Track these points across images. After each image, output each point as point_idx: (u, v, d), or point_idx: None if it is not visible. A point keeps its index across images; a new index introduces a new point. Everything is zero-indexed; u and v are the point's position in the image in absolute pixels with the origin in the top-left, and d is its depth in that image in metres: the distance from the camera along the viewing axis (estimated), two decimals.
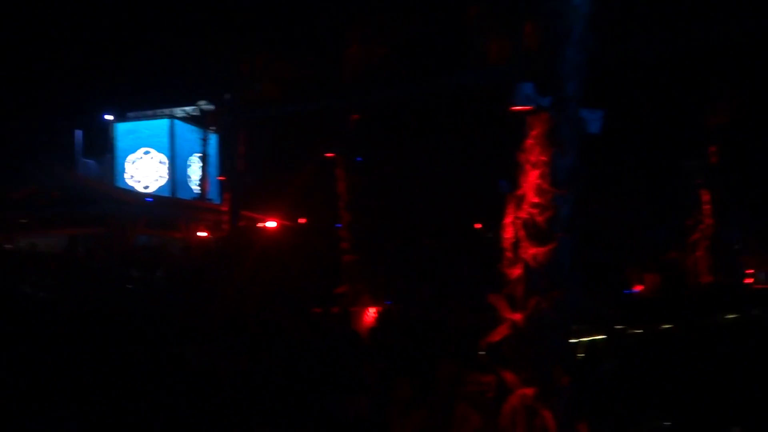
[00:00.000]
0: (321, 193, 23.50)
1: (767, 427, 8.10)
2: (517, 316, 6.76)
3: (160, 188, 28.55)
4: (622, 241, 31.50)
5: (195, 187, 29.62)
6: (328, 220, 24.06)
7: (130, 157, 33.18)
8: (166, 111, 29.72)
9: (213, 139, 28.69)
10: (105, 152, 35.85)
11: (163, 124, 30.00)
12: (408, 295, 18.05)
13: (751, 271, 37.85)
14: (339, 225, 18.70)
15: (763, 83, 30.35)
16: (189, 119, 29.93)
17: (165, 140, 29.58)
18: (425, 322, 14.10)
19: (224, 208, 21.79)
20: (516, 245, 7.05)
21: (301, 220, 30.80)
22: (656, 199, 34.70)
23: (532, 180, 6.84)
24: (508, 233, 7.31)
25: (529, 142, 6.92)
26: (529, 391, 6.49)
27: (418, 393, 7.92)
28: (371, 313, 15.83)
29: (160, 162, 28.95)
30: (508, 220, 7.36)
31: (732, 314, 21.47)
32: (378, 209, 20.59)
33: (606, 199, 31.04)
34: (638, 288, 29.37)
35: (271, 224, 27.02)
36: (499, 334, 6.89)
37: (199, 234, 23.48)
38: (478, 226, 33.29)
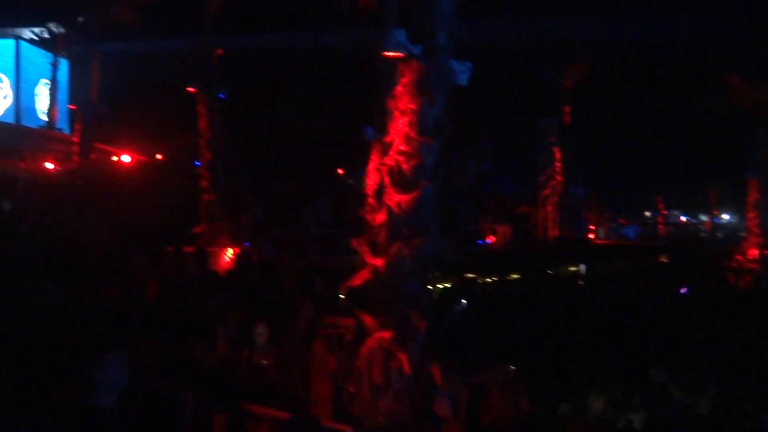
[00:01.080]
0: (180, 129, 22.67)
1: (604, 367, 8.69)
2: (379, 262, 6.83)
3: (4, 115, 26.42)
4: (477, 192, 32.69)
5: (42, 116, 27.64)
6: (187, 157, 23.32)
7: None
8: (12, 31, 27.37)
9: (64, 64, 26.78)
10: None
11: (8, 44, 27.63)
12: (267, 237, 17.90)
13: (593, 227, 40.48)
14: (198, 163, 18.12)
15: (610, 46, 31.99)
16: (37, 42, 27.72)
17: (10, 62, 27.28)
18: (284, 265, 14.05)
19: (75, 139, 20.53)
20: (380, 192, 7.08)
21: (159, 156, 29.67)
22: (511, 155, 36.22)
23: (399, 128, 6.86)
24: (372, 180, 7.34)
25: (399, 89, 6.91)
26: (386, 335, 6.60)
27: (277, 336, 7.88)
28: (229, 254, 15.57)
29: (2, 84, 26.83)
30: (373, 166, 7.38)
31: (575, 266, 22.96)
32: (240, 149, 20.13)
33: (463, 150, 32.02)
34: (491, 239, 30.69)
35: (126, 159, 25.86)
36: (359, 278, 6.95)
37: (47, 165, 22.03)
38: (341, 171, 33.44)
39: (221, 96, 17.46)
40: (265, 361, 7.65)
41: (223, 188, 17.24)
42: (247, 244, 16.44)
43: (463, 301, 12.32)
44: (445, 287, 16.89)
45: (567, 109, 33.29)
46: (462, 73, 6.85)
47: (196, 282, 12.00)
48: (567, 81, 32.67)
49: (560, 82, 32.74)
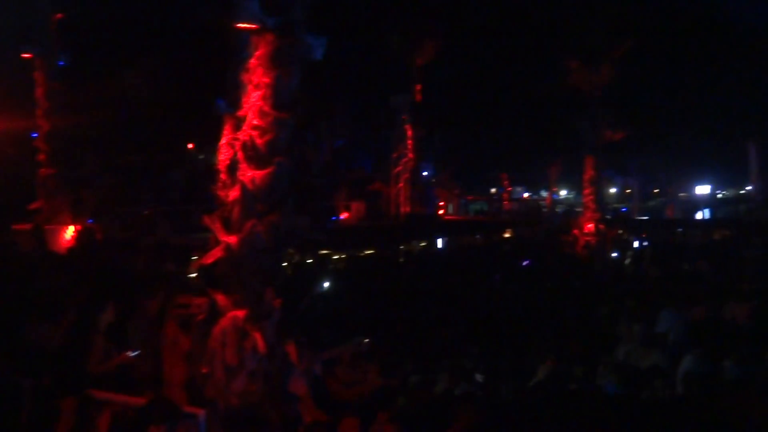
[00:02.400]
0: (15, 96, 21.04)
1: (453, 339, 8.97)
2: (232, 239, 6.66)
3: None
4: (332, 169, 32.75)
5: None
6: (22, 128, 21.69)
7: None
8: None
9: None
10: None
11: None
12: (112, 214, 17.08)
13: (443, 203, 41.74)
14: (35, 134, 16.90)
15: (463, 25, 32.88)
16: None
17: None
18: (132, 243, 13.48)
19: None
20: (232, 167, 6.90)
21: None
22: (366, 132, 36.52)
23: (253, 102, 6.69)
24: (225, 155, 7.13)
25: (253, 62, 6.73)
26: (240, 314, 6.47)
27: (126, 317, 7.54)
28: (70, 231, 14.72)
29: None
30: (226, 141, 7.16)
31: (425, 242, 23.58)
32: (84, 121, 18.98)
33: (318, 126, 31.92)
34: (345, 215, 30.93)
35: None
36: (212, 256, 6.76)
37: None
38: (191, 146, 32.40)
39: (61, 63, 16.35)
40: (113, 345, 7.30)
41: (62, 161, 16.21)
42: (91, 221, 15.60)
43: (326, 284, 12.39)
44: (301, 263, 16.86)
45: (418, 87, 33.97)
46: (317, 47, 6.76)
47: (32, 261, 11.26)
48: (418, 59, 33.30)
49: (412, 60, 33.32)
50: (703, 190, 47.38)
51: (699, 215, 42.04)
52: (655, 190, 55.00)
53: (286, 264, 13.79)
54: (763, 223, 29.37)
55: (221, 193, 7.01)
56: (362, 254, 19.73)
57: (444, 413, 5.93)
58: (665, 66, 39.40)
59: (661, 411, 6.55)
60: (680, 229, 29.98)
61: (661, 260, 18.06)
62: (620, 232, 25.53)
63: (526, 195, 60.46)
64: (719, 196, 52.77)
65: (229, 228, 6.78)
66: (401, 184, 32.87)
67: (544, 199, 53.62)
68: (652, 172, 49.97)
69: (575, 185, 42.74)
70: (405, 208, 32.75)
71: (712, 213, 42.40)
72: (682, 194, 50.30)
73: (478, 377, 7.47)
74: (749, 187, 43.27)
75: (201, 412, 6.13)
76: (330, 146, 33.26)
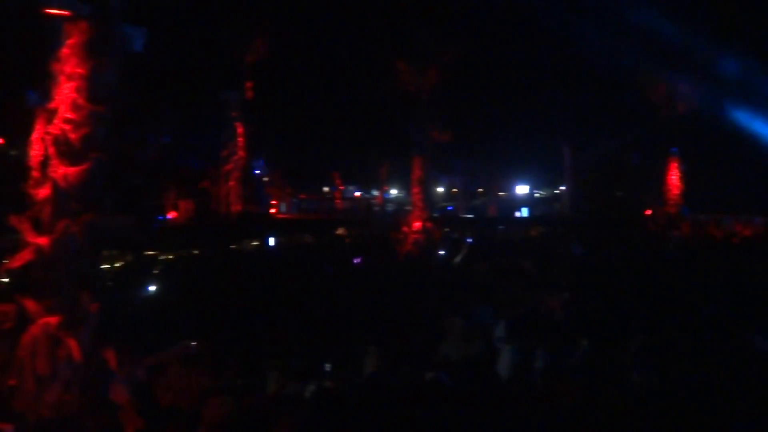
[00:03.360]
0: None
1: (285, 339, 8.89)
2: (43, 240, 6.21)
3: None
4: (158, 166, 31.51)
5: None
6: None
7: None
8: None
9: None
10: None
11: None
12: None
13: (276, 202, 41.44)
14: None
15: (296, 24, 32.75)
16: None
17: None
18: None
19: None
20: (45, 164, 6.44)
21: None
22: (194, 128, 35.45)
23: (66, 94, 6.28)
24: (36, 150, 6.63)
25: (65, 51, 6.31)
26: (53, 320, 6.06)
27: None
28: None
29: None
30: (37, 136, 6.67)
31: (257, 241, 23.24)
32: None
33: (142, 121, 30.54)
34: (173, 215, 29.89)
35: None
36: (20, 259, 6.27)
37: None
38: (1, 141, 29.97)
39: None
40: None
41: None
42: None
43: (152, 286, 11.86)
44: (123, 265, 16.08)
45: (250, 84, 33.44)
46: (137, 38, 6.46)
47: None
48: (249, 55, 32.77)
49: (242, 56, 32.72)
50: (522, 189, 50.27)
51: (518, 213, 44.55)
52: (479, 190, 57.75)
53: (107, 266, 13.11)
54: (574, 221, 31.63)
55: (32, 192, 6.51)
56: (191, 254, 19.12)
57: (270, 414, 5.85)
58: (489, 72, 41.41)
59: (483, 400, 6.83)
60: (501, 227, 31.60)
61: (484, 256, 18.91)
62: (447, 229, 26.50)
63: (358, 194, 61.34)
64: (537, 195, 56.24)
65: (39, 229, 6.32)
66: (232, 183, 32.25)
67: (375, 197, 54.61)
68: (476, 173, 52.42)
69: (405, 184, 43.92)
70: (236, 207, 32.16)
71: (530, 211, 45.08)
72: (502, 193, 53.18)
73: (327, 367, 7.43)
74: (563, 187, 46.33)
75: (8, 427, 5.69)
76: (156, 143, 31.94)
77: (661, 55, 26.29)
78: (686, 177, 26.99)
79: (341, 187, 53.74)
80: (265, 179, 36.70)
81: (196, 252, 19.06)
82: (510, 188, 51.56)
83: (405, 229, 24.58)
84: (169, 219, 29.63)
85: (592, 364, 7.87)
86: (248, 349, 8.22)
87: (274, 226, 30.41)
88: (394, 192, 59.15)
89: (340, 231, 27.53)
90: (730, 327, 9.33)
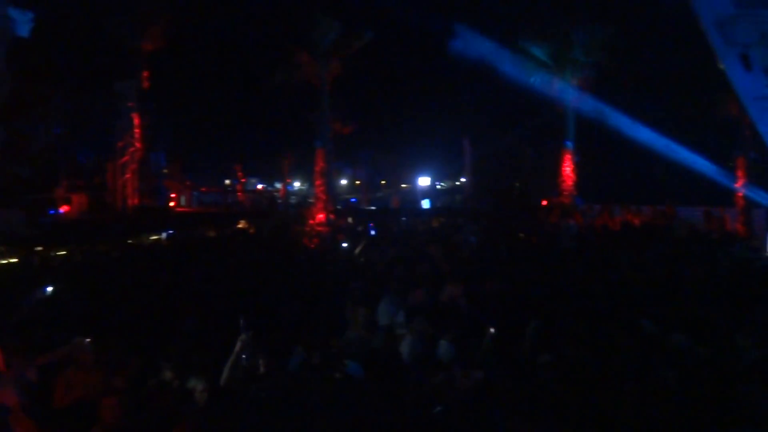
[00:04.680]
0: None
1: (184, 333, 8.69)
2: None
3: None
4: (48, 159, 30.12)
5: None
6: None
7: None
8: None
9: None
10: None
11: None
12: None
13: (175, 195, 40.38)
14: None
15: (195, 13, 31.96)
16: None
17: None
18: None
19: None
20: None
21: None
22: (88, 119, 34.04)
23: None
24: None
25: None
26: None
27: None
28: None
29: None
30: None
31: (156, 235, 22.59)
32: None
33: (31, 112, 29.10)
34: (65, 209, 28.65)
35: None
36: None
37: None
38: None
39: None
40: None
41: None
42: None
43: (49, 288, 11.32)
44: (9, 263, 15.37)
45: (146, 73, 32.40)
46: (23, 23, 6.13)
47: None
48: (146, 44, 31.72)
49: (139, 44, 31.64)
50: (424, 181, 50.85)
51: (421, 205, 45.08)
52: (383, 182, 58.17)
53: None
54: (474, 211, 32.24)
55: None
56: (85, 250, 18.37)
57: (168, 412, 5.74)
58: (392, 65, 41.64)
59: (386, 390, 6.89)
60: (404, 218, 31.93)
61: (386, 247, 19.01)
62: (350, 221, 26.56)
63: (260, 186, 60.66)
64: (438, 187, 57.05)
65: None
66: (128, 175, 31.25)
67: (278, 190, 54.12)
68: (379, 165, 52.75)
69: (308, 177, 43.70)
70: (133, 201, 31.20)
71: (432, 203, 45.70)
72: (405, 185, 53.75)
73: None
74: (464, 179, 47.11)
75: None
76: (46, 134, 30.47)
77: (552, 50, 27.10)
78: (579, 168, 27.98)
79: (243, 180, 52.95)
80: (165, 171, 35.67)
81: (90, 247, 18.36)
82: (413, 180, 52.04)
83: (311, 221, 24.54)
84: (61, 213, 28.39)
85: (493, 351, 8.07)
86: (145, 346, 7.99)
87: (172, 219, 29.63)
88: (297, 185, 58.83)
89: (241, 224, 27.08)
90: (621, 311, 9.76)
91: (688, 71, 23.46)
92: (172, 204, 37.65)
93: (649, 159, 24.85)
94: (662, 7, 22.30)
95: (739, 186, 23.17)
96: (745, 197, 23.11)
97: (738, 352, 7.93)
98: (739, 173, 23.22)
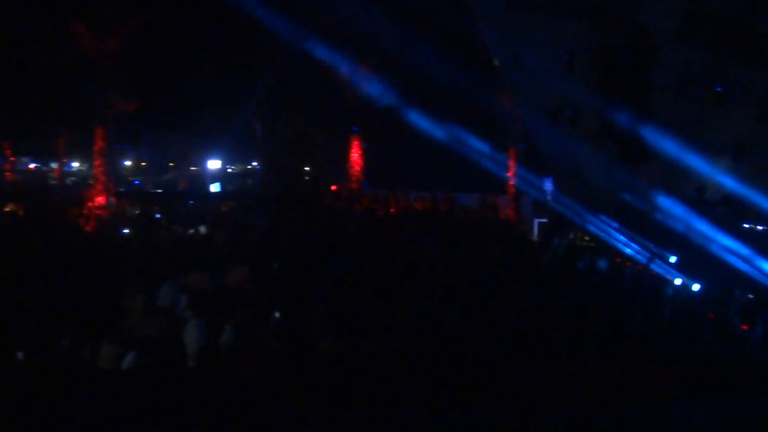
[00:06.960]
0: None
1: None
2: None
3: None
4: None
5: None
6: None
7: None
8: None
9: None
10: None
11: None
12: None
13: None
14: None
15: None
16: None
17: None
18: None
19: None
20: None
21: None
22: None
23: None
24: None
25: None
26: None
27: None
28: None
29: None
30: None
31: None
32: None
33: None
34: None
35: None
36: None
37: None
38: None
39: None
40: None
41: None
42: None
43: None
44: None
45: None
46: None
47: None
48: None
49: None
50: (214, 164, 49.63)
51: (211, 188, 44.01)
52: (170, 164, 55.97)
53: None
54: (265, 196, 32.10)
55: None
56: None
57: None
58: (181, 41, 40.00)
59: (167, 377, 6.71)
60: (192, 202, 31.01)
61: (172, 230, 18.43)
62: (131, 205, 25.43)
63: (32, 166, 56.05)
64: (230, 170, 55.97)
65: None
66: None
67: (53, 170, 50.40)
68: (166, 146, 50.77)
69: (88, 157, 41.07)
70: None
71: (222, 186, 44.78)
72: (194, 168, 52.21)
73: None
74: (255, 163, 46.66)
75: None
76: None
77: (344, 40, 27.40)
78: (367, 155, 28.76)
79: (12, 159, 48.54)
80: None
81: None
82: (202, 163, 50.51)
83: (90, 204, 23.13)
84: None
85: (280, 334, 8.11)
86: None
87: None
88: (76, 165, 55.05)
89: (9, 207, 24.86)
90: (404, 293, 10.21)
91: (470, 66, 24.84)
92: None
93: (433, 148, 26.06)
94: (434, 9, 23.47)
95: (510, 175, 25.04)
96: (515, 186, 25.04)
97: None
98: (510, 163, 25.08)
